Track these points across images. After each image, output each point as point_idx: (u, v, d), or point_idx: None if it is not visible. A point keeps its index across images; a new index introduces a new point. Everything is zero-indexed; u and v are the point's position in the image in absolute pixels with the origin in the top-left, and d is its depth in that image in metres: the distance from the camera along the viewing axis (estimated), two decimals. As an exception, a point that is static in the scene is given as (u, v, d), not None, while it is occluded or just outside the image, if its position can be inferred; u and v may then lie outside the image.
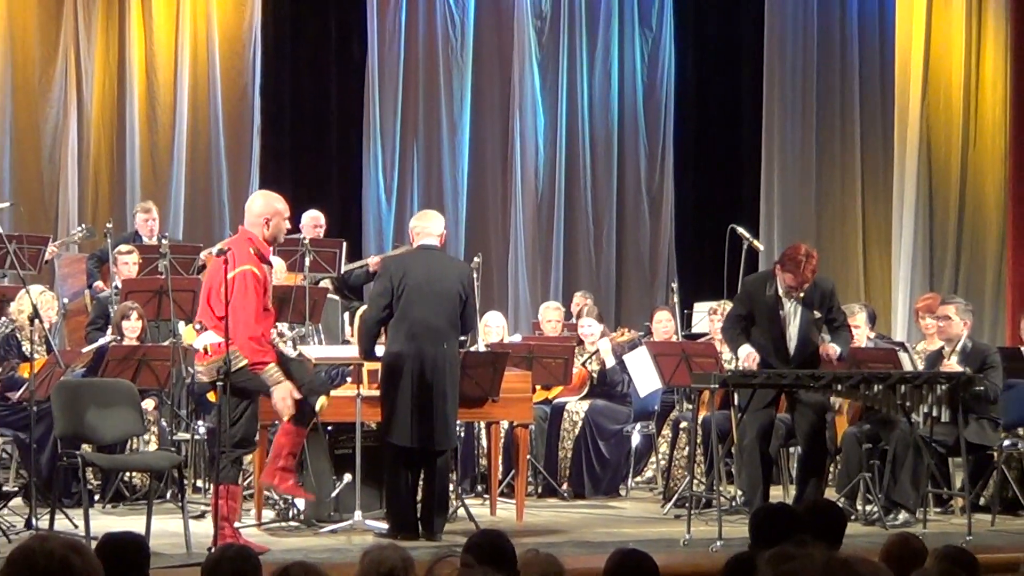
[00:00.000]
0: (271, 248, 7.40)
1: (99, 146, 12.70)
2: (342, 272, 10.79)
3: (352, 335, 9.75)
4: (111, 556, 4.18)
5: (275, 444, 7.39)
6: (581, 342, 10.17)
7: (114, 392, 7.98)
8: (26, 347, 8.98)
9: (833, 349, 8.26)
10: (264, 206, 7.29)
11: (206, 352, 7.09)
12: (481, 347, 9.70)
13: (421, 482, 7.96)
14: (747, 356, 8.26)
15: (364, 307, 8.72)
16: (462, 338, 9.27)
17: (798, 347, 8.28)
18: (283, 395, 7.13)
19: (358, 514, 8.07)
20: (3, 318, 9.12)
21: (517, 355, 9.36)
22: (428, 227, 8.03)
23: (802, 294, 8.22)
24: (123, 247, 10.47)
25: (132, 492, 9.01)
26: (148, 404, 9.10)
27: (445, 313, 7.81)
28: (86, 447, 8.12)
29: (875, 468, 8.65)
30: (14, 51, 12.45)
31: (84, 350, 9.19)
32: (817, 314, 8.26)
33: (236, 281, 7.04)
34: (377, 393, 8.52)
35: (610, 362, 10.02)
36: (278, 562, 5.26)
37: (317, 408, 7.24)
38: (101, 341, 9.31)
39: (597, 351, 10.06)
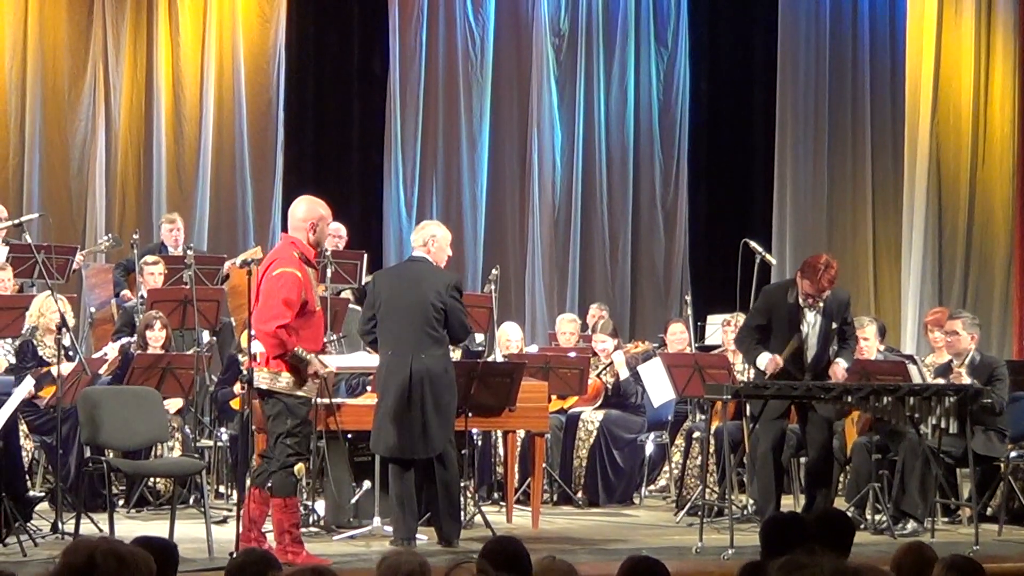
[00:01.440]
0: (316, 252, 7.42)
1: (126, 159, 12.83)
2: (363, 284, 10.90)
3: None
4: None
5: (274, 522, 7.22)
6: (596, 353, 10.28)
7: (139, 399, 8.10)
8: (42, 351, 9.12)
9: (841, 371, 8.38)
10: (308, 211, 7.35)
11: (255, 359, 7.16)
12: (499, 357, 9.83)
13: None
14: (770, 361, 8.29)
15: None
16: (479, 347, 9.42)
17: (815, 357, 8.36)
18: (315, 369, 7.15)
19: (377, 520, 8.20)
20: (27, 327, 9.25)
21: (534, 365, 9.44)
22: (415, 238, 8.17)
23: (821, 303, 8.32)
24: (149, 258, 10.56)
25: (156, 497, 9.10)
26: (173, 405, 9.21)
27: (418, 323, 7.76)
28: (111, 453, 8.26)
29: (884, 478, 8.71)
30: (44, 66, 12.61)
31: (106, 348, 9.27)
32: (834, 324, 8.36)
33: (275, 279, 7.12)
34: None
35: (624, 374, 10.09)
36: (302, 567, 5.42)
37: (297, 474, 7.18)
38: (123, 340, 9.41)
39: (611, 363, 10.16)
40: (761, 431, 8.29)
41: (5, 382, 8.80)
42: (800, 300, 8.32)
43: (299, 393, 7.15)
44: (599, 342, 10.24)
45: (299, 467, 7.15)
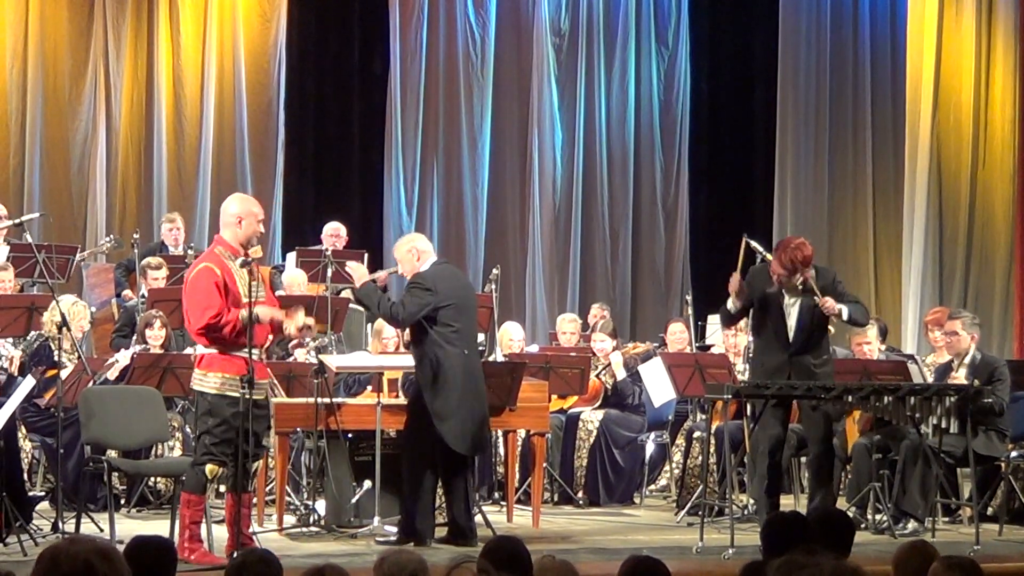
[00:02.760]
0: (245, 249, 7.24)
1: (127, 158, 12.86)
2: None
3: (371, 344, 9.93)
4: (139, 559, 4.25)
5: (179, 515, 7.28)
6: (596, 353, 10.28)
7: (140, 399, 8.12)
8: (57, 356, 9.13)
9: (832, 304, 8.20)
10: (239, 207, 7.29)
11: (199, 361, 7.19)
12: (499, 357, 9.85)
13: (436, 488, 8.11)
14: (731, 281, 8.32)
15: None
16: (480, 347, 9.43)
17: (796, 334, 8.28)
18: (268, 316, 7.11)
19: (377, 520, 8.20)
20: (32, 332, 9.26)
21: (534, 365, 9.46)
22: (429, 246, 8.25)
23: (799, 284, 8.27)
24: (152, 261, 10.54)
25: (156, 497, 9.11)
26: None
27: (476, 325, 8.25)
28: (112, 452, 8.26)
29: (884, 478, 8.71)
30: (45, 66, 12.63)
31: (117, 356, 9.28)
32: (816, 300, 8.26)
33: (190, 282, 7.15)
34: (396, 401, 8.70)
35: (621, 375, 10.09)
36: (302, 567, 5.43)
37: (208, 476, 7.15)
38: (135, 349, 9.37)
39: (609, 364, 10.17)
40: (760, 431, 8.28)
41: (16, 382, 8.81)
42: (774, 280, 8.30)
43: (228, 394, 7.06)
44: (598, 341, 10.25)
45: (210, 468, 7.11)
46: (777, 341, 8.33)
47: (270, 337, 7.76)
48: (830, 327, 8.50)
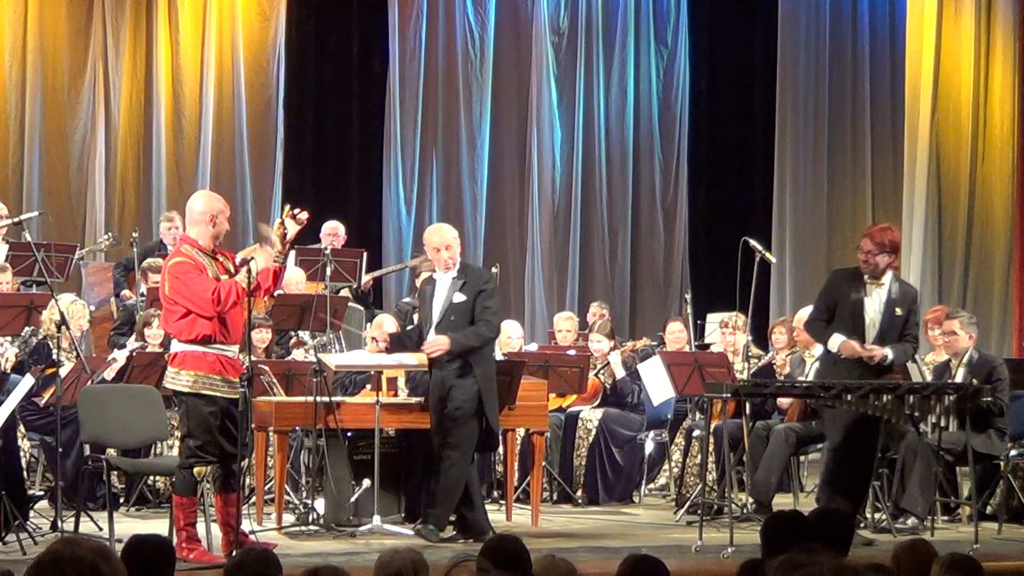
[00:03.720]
0: (215, 245, 7.23)
1: (126, 157, 12.87)
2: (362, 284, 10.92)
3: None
4: (138, 558, 4.26)
5: (174, 518, 7.26)
6: (593, 352, 10.27)
7: (138, 398, 8.10)
8: (56, 354, 9.12)
9: (879, 351, 8.14)
10: (207, 205, 7.24)
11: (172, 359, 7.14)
12: (498, 356, 9.84)
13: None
14: (844, 344, 8.11)
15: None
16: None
17: (874, 336, 8.21)
18: (262, 266, 7.04)
19: (376, 518, 8.21)
20: (27, 327, 9.25)
21: (533, 364, 9.46)
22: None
23: (881, 272, 8.19)
24: (153, 264, 10.47)
25: (156, 496, 9.10)
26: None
27: None
28: (111, 451, 8.26)
29: (884, 476, 8.73)
30: (44, 63, 12.64)
31: (115, 353, 9.28)
32: (899, 311, 8.24)
33: (170, 275, 7.07)
34: (394, 400, 8.73)
35: (619, 374, 10.10)
36: (301, 565, 5.43)
37: (197, 477, 7.13)
38: (133, 347, 9.37)
39: (608, 364, 10.17)
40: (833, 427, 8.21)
41: (14, 380, 8.81)
42: (860, 266, 8.25)
43: (203, 392, 7.02)
44: (595, 342, 10.24)
45: (198, 470, 7.09)
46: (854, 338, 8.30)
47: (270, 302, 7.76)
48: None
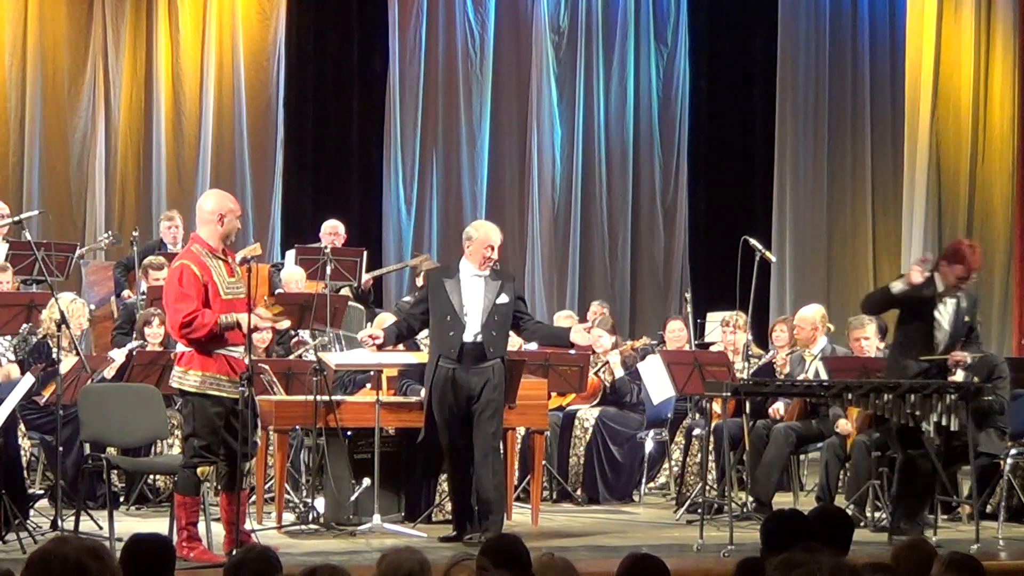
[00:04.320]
0: (225, 244, 7.21)
1: (126, 156, 12.88)
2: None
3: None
4: (138, 557, 4.26)
5: (176, 517, 7.26)
6: (595, 351, 10.27)
7: (139, 396, 8.10)
8: (56, 353, 9.12)
9: (960, 354, 8.25)
10: (217, 204, 7.20)
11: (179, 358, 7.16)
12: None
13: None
14: (908, 274, 8.21)
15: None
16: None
17: (945, 342, 8.27)
18: (254, 324, 7.00)
19: (376, 517, 8.21)
20: (25, 324, 9.25)
21: (533, 363, 9.46)
22: None
23: (971, 280, 8.25)
24: (154, 261, 10.52)
25: (156, 495, 9.12)
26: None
27: None
28: (111, 450, 8.26)
29: (884, 476, 8.74)
30: (44, 62, 12.65)
31: (114, 352, 9.28)
32: (966, 318, 8.31)
33: (167, 282, 7.14)
34: (395, 399, 8.73)
35: (619, 373, 10.11)
36: (301, 564, 5.42)
37: (200, 476, 7.13)
38: (131, 345, 9.37)
39: (607, 362, 10.17)
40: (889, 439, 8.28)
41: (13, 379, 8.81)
42: (941, 290, 8.25)
43: (210, 393, 7.03)
44: (597, 336, 10.24)
45: (201, 469, 7.09)
46: (924, 345, 8.31)
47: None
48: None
